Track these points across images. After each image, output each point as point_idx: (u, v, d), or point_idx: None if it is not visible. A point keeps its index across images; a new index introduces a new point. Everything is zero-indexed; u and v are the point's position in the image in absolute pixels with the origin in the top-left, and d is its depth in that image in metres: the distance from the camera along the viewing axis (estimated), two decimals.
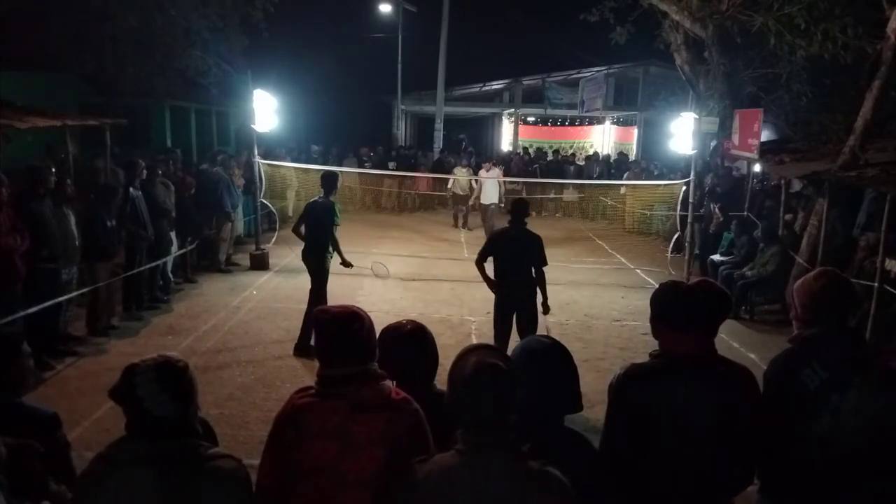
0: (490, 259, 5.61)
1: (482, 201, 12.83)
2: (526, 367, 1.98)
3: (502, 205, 12.61)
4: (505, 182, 13.45)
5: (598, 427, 2.33)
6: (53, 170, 6.23)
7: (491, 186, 12.74)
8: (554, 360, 2.07)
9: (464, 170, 14.44)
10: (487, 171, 13.13)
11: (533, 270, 5.52)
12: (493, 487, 1.67)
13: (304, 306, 6.53)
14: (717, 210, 10.21)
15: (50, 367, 5.74)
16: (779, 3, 9.39)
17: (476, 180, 13.43)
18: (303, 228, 6.52)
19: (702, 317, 2.21)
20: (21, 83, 10.48)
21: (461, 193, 14.17)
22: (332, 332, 2.01)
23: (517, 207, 5.65)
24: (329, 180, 6.61)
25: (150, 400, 1.76)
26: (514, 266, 5.55)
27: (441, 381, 2.24)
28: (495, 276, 5.63)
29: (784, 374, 2.35)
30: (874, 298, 6.08)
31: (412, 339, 2.35)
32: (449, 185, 14.67)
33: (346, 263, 6.52)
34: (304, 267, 6.60)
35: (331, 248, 6.44)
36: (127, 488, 1.74)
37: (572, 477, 1.75)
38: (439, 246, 12.17)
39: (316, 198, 6.58)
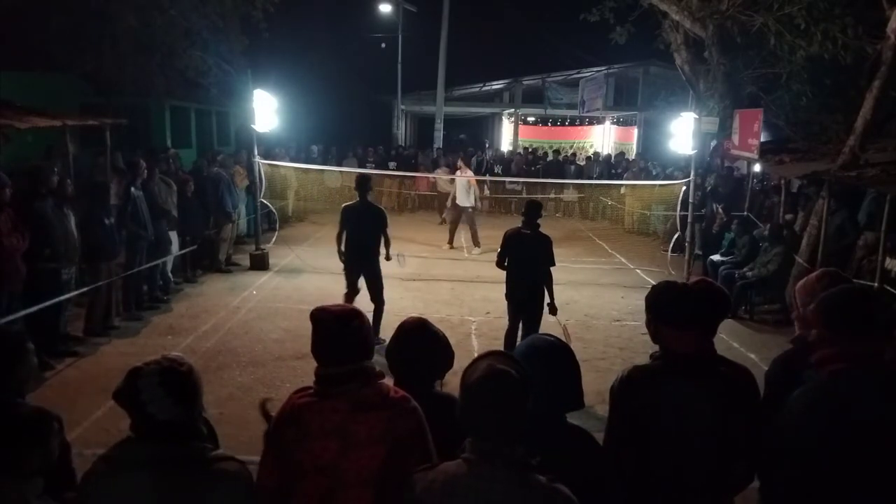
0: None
1: (457, 202, 12.21)
2: (530, 365, 1.97)
3: (479, 207, 12.67)
4: (476, 185, 12.60)
5: (596, 425, 2.33)
6: (56, 169, 6.24)
7: (463, 189, 12.07)
8: (557, 358, 2.08)
9: (440, 170, 14.98)
10: (462, 172, 12.40)
11: (540, 271, 5.55)
12: (496, 500, 1.62)
13: (305, 306, 6.50)
14: (719, 210, 10.21)
15: (50, 367, 5.74)
16: (779, 3, 9.39)
17: (451, 180, 13.30)
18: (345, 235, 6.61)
19: (702, 315, 2.22)
20: (21, 83, 10.45)
21: (443, 192, 14.55)
22: (332, 330, 2.01)
23: (531, 208, 5.67)
24: (362, 184, 6.62)
25: (153, 404, 1.75)
26: (524, 266, 5.61)
27: (448, 384, 2.25)
28: (506, 275, 5.69)
29: (785, 374, 2.35)
30: None
31: (404, 336, 2.33)
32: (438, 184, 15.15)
33: (387, 257, 6.83)
34: (304, 267, 6.63)
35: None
36: (130, 490, 1.73)
37: (576, 473, 1.74)
38: (439, 246, 12.15)
39: (354, 202, 6.60)
